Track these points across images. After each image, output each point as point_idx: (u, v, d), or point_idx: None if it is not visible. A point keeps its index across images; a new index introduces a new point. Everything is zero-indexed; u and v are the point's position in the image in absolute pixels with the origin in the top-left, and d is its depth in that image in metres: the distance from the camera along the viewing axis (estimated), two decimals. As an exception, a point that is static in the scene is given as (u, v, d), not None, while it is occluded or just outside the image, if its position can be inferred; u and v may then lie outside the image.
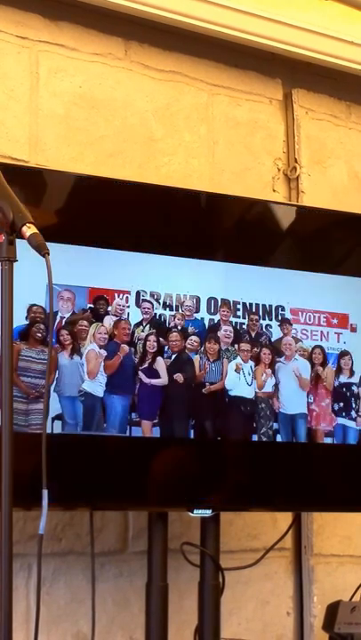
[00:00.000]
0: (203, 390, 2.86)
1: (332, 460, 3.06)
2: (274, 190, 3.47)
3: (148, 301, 2.78)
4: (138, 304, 2.77)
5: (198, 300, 2.86)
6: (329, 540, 3.44)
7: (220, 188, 3.21)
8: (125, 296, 2.75)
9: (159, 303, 2.80)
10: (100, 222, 2.75)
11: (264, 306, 2.96)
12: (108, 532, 3.01)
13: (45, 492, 2.01)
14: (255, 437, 2.91)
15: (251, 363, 2.93)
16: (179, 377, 2.82)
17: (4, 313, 1.96)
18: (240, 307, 2.92)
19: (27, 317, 2.57)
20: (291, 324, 2.99)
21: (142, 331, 2.78)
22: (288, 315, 2.99)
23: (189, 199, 2.93)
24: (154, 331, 2.79)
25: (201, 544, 2.87)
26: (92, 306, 2.70)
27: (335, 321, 3.08)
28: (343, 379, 3.08)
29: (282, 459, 2.96)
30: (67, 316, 2.67)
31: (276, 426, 2.95)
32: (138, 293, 2.77)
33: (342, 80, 3.62)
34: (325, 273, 3.08)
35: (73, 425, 2.66)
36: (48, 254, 1.95)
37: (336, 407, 3.06)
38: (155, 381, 2.78)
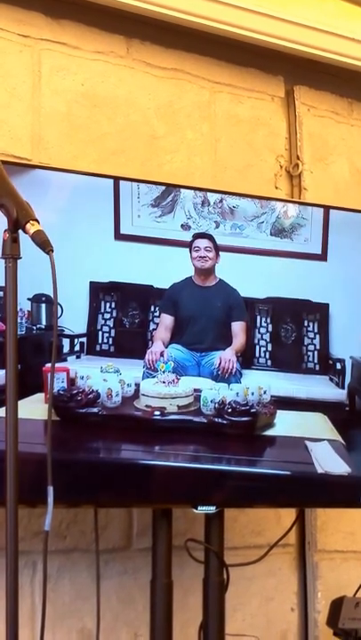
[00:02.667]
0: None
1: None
2: (276, 187, 3.48)
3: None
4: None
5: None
6: (333, 536, 3.44)
7: (222, 186, 3.21)
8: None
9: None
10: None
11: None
12: (113, 529, 3.02)
13: (51, 489, 2.02)
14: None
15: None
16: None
17: (8, 310, 1.97)
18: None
19: None
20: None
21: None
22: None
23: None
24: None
25: (205, 541, 2.88)
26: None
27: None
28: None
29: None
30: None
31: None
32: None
33: (344, 77, 3.62)
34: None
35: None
36: (52, 251, 1.95)
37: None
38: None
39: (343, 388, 3.03)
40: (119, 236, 2.81)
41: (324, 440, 2.93)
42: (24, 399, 2.49)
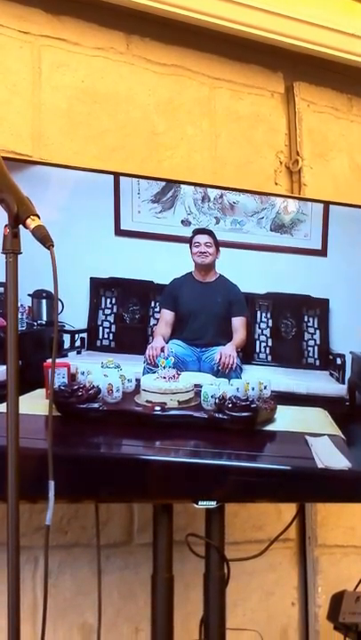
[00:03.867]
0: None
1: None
2: (276, 183, 3.48)
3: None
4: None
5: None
6: (333, 531, 3.45)
7: (222, 182, 3.21)
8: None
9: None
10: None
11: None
12: (114, 524, 3.02)
13: (52, 483, 2.03)
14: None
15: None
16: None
17: (9, 305, 1.98)
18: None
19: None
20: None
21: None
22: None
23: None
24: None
25: (206, 535, 2.88)
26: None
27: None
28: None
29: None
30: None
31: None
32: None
33: (344, 73, 3.63)
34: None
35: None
36: (52, 246, 1.96)
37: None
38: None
39: (343, 383, 3.04)
40: (119, 232, 2.82)
41: (324, 435, 2.94)
42: (25, 395, 2.50)
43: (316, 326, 3.03)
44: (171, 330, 2.86)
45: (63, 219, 2.71)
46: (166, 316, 2.86)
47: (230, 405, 2.79)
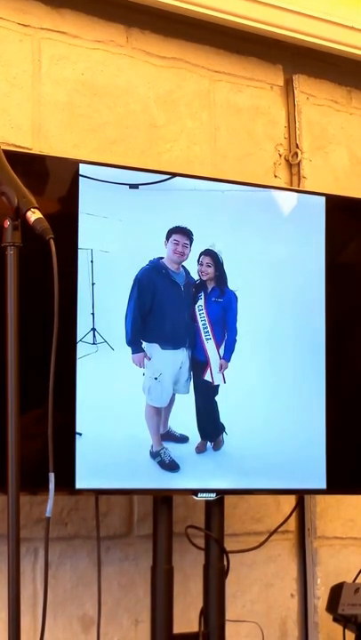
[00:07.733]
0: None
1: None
2: (275, 176, 3.49)
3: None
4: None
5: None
6: (332, 522, 3.46)
7: (221, 174, 3.22)
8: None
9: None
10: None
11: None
12: (114, 516, 3.03)
13: (52, 475, 2.03)
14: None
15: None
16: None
17: (9, 299, 1.98)
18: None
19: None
20: None
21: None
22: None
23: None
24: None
25: (205, 527, 2.90)
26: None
27: None
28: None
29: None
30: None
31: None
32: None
33: (343, 65, 3.63)
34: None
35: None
36: (53, 239, 1.96)
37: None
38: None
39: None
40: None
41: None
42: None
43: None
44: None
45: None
46: None
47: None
